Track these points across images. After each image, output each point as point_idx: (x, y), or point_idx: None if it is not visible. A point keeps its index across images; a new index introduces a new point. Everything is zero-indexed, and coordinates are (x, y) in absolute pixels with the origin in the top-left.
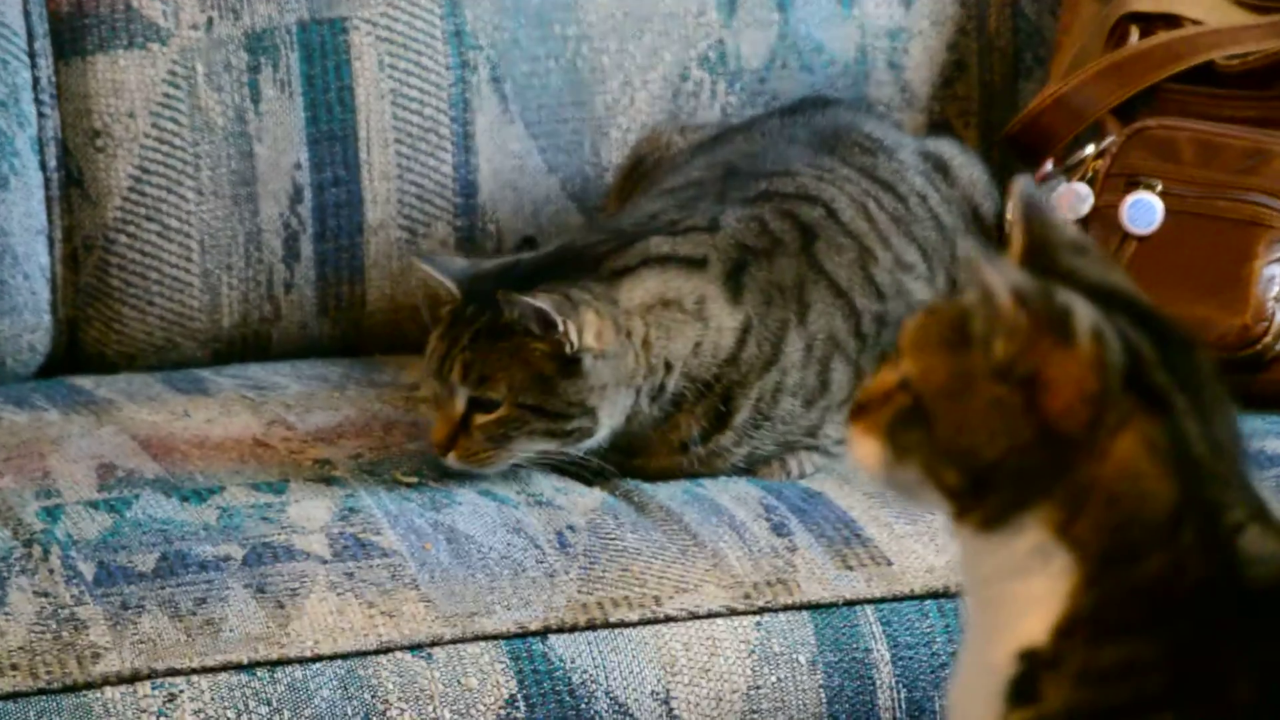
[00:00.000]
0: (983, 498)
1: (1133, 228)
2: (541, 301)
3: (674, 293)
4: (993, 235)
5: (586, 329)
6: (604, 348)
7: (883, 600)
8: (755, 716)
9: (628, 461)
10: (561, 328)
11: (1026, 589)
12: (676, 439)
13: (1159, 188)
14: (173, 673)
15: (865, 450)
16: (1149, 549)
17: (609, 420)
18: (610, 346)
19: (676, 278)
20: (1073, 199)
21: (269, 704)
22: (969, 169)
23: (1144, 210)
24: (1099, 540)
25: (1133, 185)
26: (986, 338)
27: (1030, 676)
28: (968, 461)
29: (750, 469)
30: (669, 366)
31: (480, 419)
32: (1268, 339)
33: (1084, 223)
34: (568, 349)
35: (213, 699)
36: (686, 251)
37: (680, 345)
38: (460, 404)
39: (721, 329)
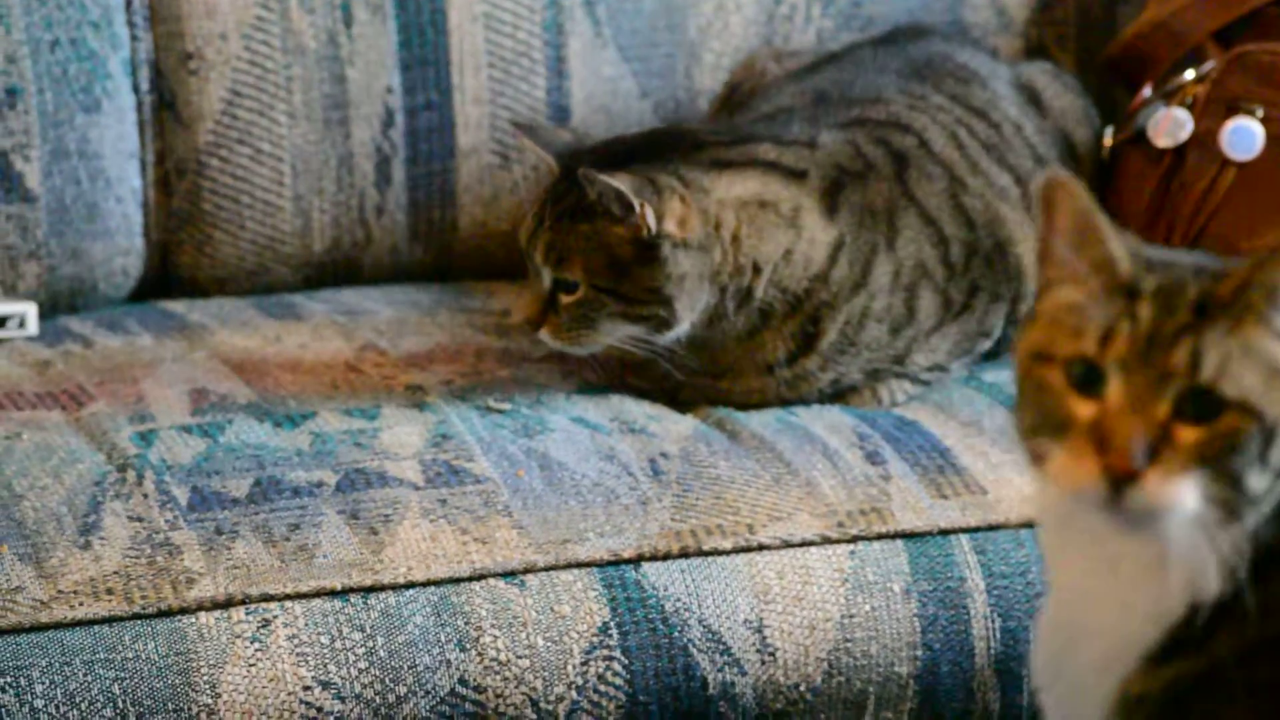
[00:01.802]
0: None
1: (1233, 153)
2: (620, 182)
3: (772, 196)
4: (1087, 161)
5: (669, 215)
6: (687, 236)
7: (978, 529)
8: (849, 645)
9: (715, 384)
10: (639, 211)
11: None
12: (763, 359)
13: (1260, 113)
14: (266, 598)
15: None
16: None
17: (688, 314)
18: (695, 236)
19: (776, 183)
20: (1171, 124)
21: (362, 630)
22: (1063, 96)
23: (1245, 136)
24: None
25: (1233, 111)
26: None
27: (1193, 628)
28: None
29: (839, 396)
30: (757, 269)
31: (564, 299)
32: None
33: (1183, 148)
34: (645, 234)
35: (306, 624)
36: (789, 162)
37: (770, 248)
38: (545, 282)
39: (814, 241)
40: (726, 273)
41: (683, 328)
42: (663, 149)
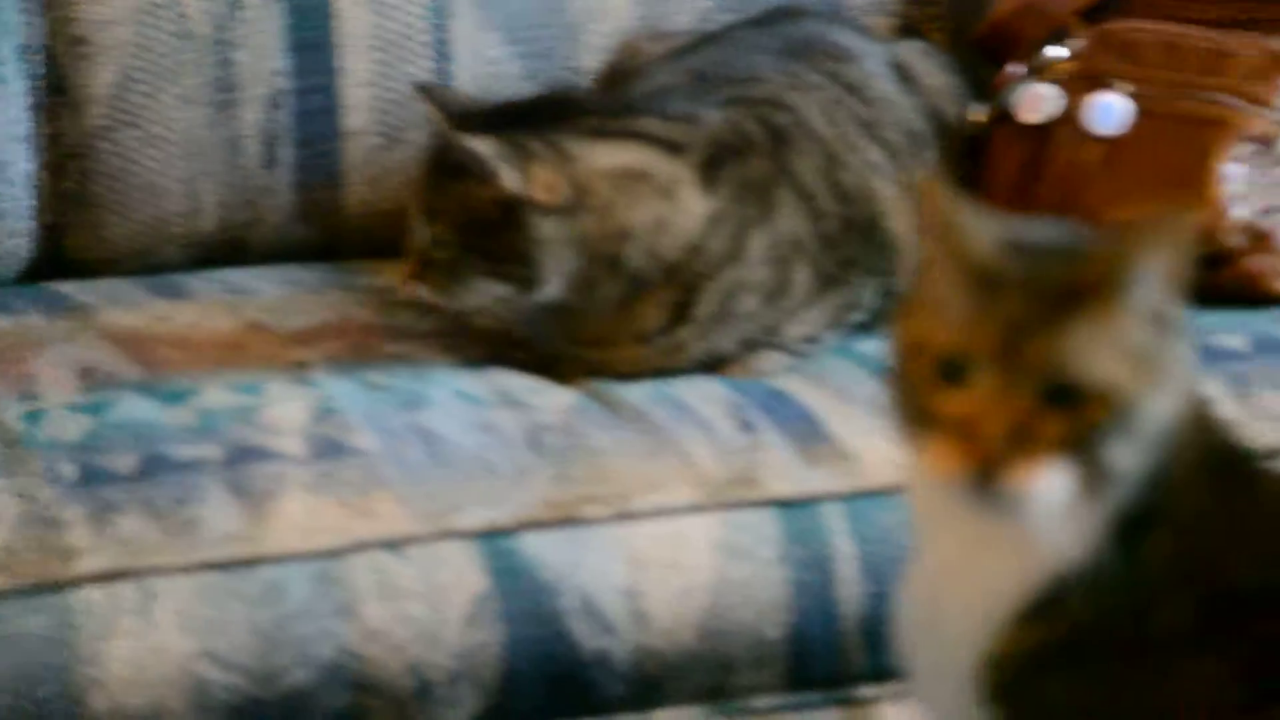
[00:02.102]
0: None
1: (1099, 128)
2: (482, 145)
3: (648, 167)
4: (957, 138)
5: (534, 180)
6: (553, 201)
7: (847, 495)
8: (721, 610)
9: (593, 354)
10: (500, 175)
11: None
12: (639, 328)
13: (1124, 89)
14: (152, 572)
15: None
16: None
17: (555, 277)
18: (562, 202)
19: (654, 155)
20: (1038, 101)
21: (245, 602)
22: (935, 74)
23: (1109, 111)
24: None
25: (1098, 86)
26: None
27: (1058, 591)
28: None
29: (713, 367)
30: (626, 236)
31: (437, 255)
32: (1225, 236)
33: (1050, 125)
34: (509, 197)
35: (190, 597)
36: (669, 135)
37: (641, 216)
38: (422, 237)
39: (689, 213)
40: (595, 240)
41: (551, 290)
42: (548, 114)
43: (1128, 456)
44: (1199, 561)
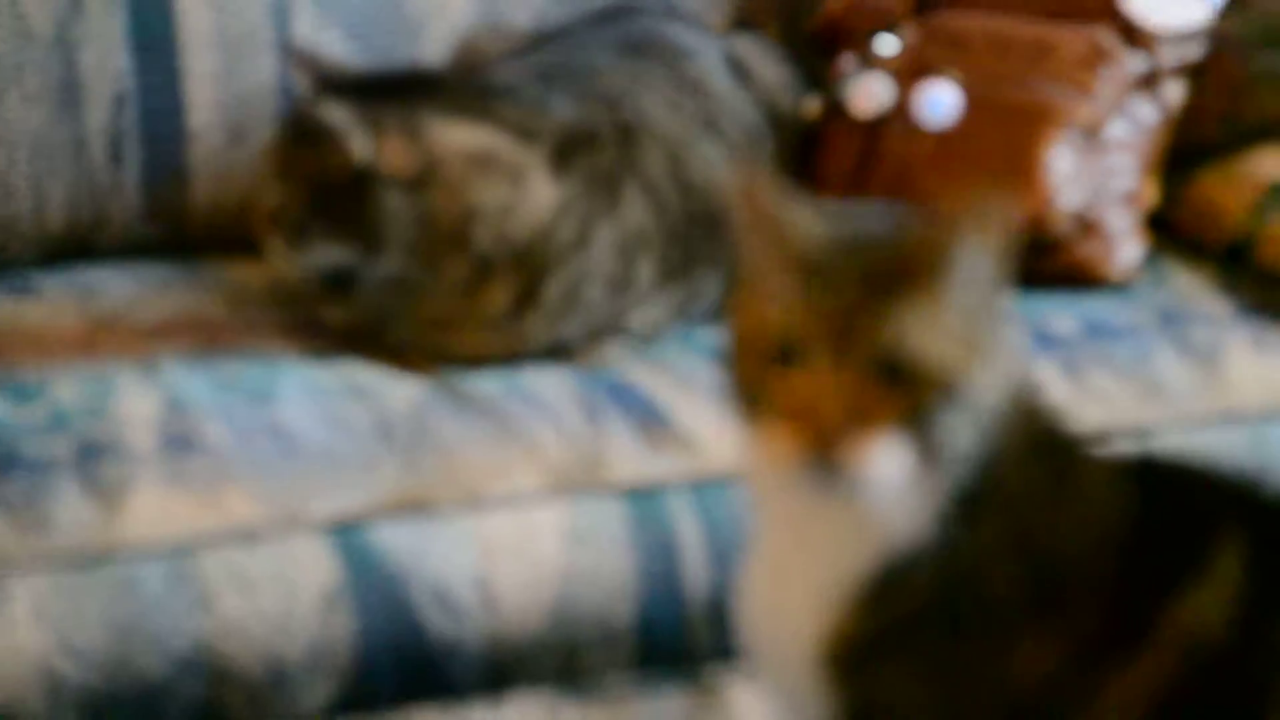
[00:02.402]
0: None
1: (929, 120)
2: (337, 113)
3: (500, 153)
4: (792, 131)
5: (385, 152)
6: (401, 176)
7: (691, 481)
8: (570, 596)
9: (438, 338)
10: (350, 143)
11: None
12: (485, 312)
13: (953, 79)
14: (5, 569)
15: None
16: None
17: (397, 249)
18: (410, 176)
19: (507, 141)
20: (869, 93)
21: (100, 597)
22: (770, 68)
23: (939, 103)
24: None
25: (928, 78)
26: None
27: (897, 572)
28: None
29: (560, 355)
30: (474, 216)
31: (285, 214)
32: (1054, 223)
33: (885, 117)
34: (358, 165)
35: (45, 593)
36: (523, 122)
37: (490, 198)
38: (272, 196)
39: (537, 200)
40: (443, 216)
41: (392, 262)
42: (409, 89)
43: (959, 433)
44: (1028, 538)
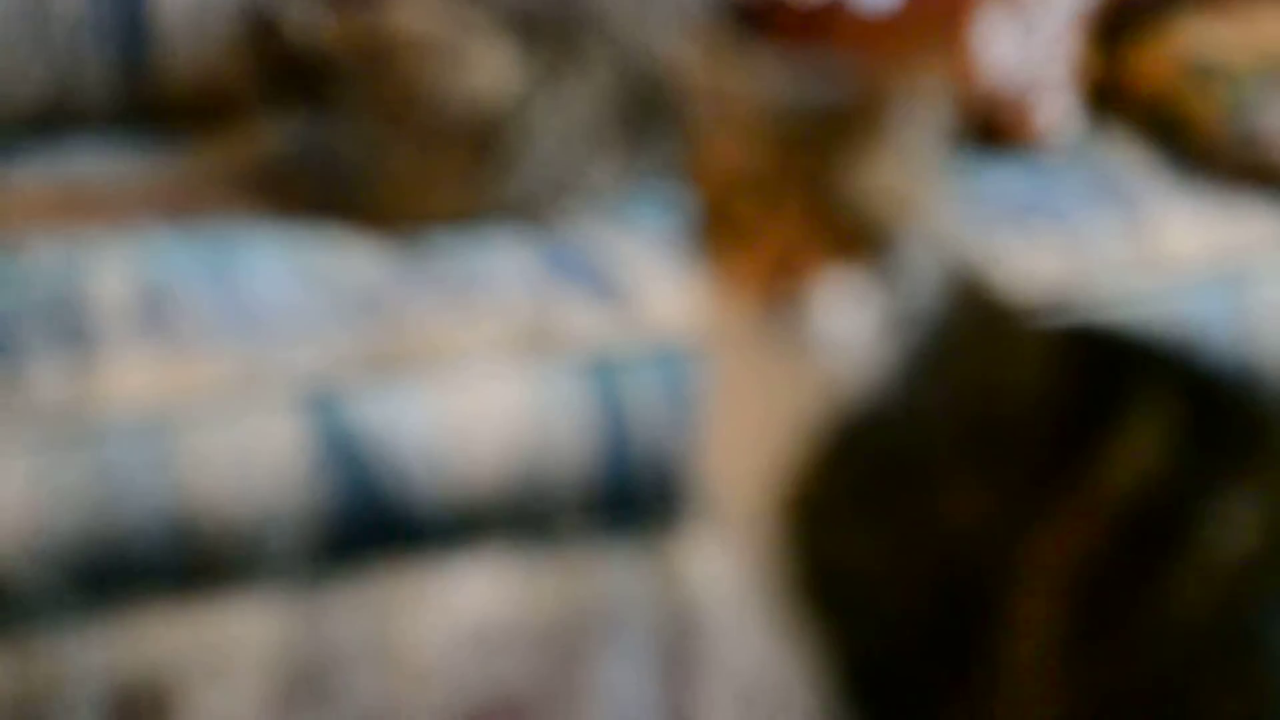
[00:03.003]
0: None
1: (871, 4)
2: None
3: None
4: (733, 21)
5: (342, 26)
6: (354, 51)
7: (649, 345)
8: (536, 454)
9: (401, 201)
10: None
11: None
12: (446, 171)
13: None
14: None
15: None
16: None
17: (358, 115)
18: (363, 54)
19: (462, 20)
20: None
21: (75, 461)
22: None
23: None
24: None
25: None
26: None
27: (847, 429)
28: None
29: (519, 214)
30: (431, 93)
31: (256, 95)
32: (989, 91)
33: (828, 6)
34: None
35: (19, 453)
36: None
37: (447, 77)
38: (239, 75)
39: (495, 78)
40: (394, 96)
41: (356, 129)
42: None
43: (904, 285)
44: (965, 396)
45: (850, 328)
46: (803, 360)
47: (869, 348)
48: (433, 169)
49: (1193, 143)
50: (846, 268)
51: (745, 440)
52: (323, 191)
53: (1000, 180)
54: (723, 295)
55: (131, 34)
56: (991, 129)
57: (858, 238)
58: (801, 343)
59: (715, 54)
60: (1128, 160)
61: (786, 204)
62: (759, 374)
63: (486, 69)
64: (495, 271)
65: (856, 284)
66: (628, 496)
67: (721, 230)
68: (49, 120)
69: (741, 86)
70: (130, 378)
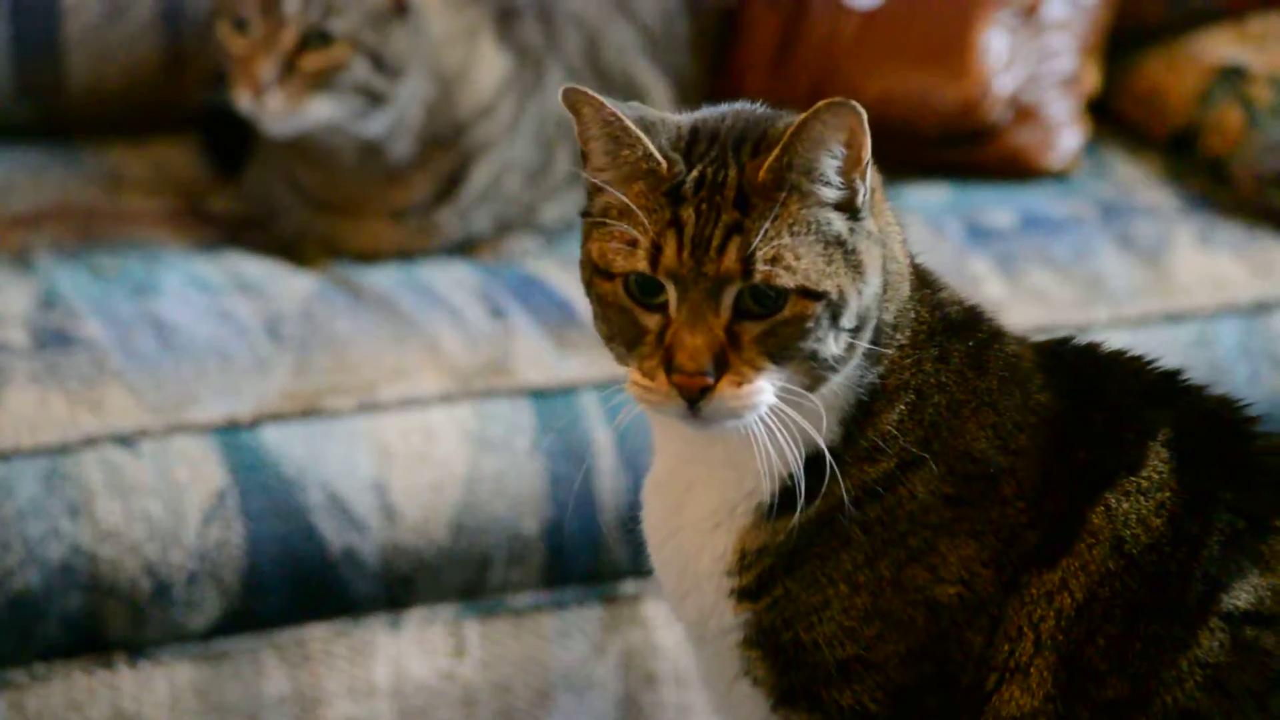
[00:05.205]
0: None
1: (856, 1)
2: None
3: (463, 15)
4: (711, 15)
5: None
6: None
7: (603, 384)
8: (474, 504)
9: (337, 233)
10: None
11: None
12: (399, 202)
13: None
14: None
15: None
16: None
17: (403, 101)
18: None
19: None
20: None
21: None
22: None
23: None
24: None
25: None
26: None
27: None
28: None
29: (464, 249)
30: (444, 79)
31: (309, 56)
32: (988, 110)
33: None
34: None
35: None
36: None
37: (451, 59)
38: (290, 36)
39: (487, 67)
40: (433, 64)
41: (390, 115)
42: None
43: (839, 341)
44: (942, 432)
45: (781, 408)
46: (736, 444)
47: (812, 412)
48: (395, 191)
49: (1209, 162)
50: (771, 345)
51: (691, 508)
52: (247, 213)
53: (999, 207)
54: (637, 385)
55: (34, 31)
56: (989, 151)
57: (782, 304)
58: (727, 436)
59: (601, 99)
60: (1136, 183)
61: (695, 283)
62: (697, 449)
63: (486, 59)
64: (436, 300)
65: (783, 358)
66: (582, 551)
67: (625, 317)
68: None
69: (641, 135)
70: (31, 412)
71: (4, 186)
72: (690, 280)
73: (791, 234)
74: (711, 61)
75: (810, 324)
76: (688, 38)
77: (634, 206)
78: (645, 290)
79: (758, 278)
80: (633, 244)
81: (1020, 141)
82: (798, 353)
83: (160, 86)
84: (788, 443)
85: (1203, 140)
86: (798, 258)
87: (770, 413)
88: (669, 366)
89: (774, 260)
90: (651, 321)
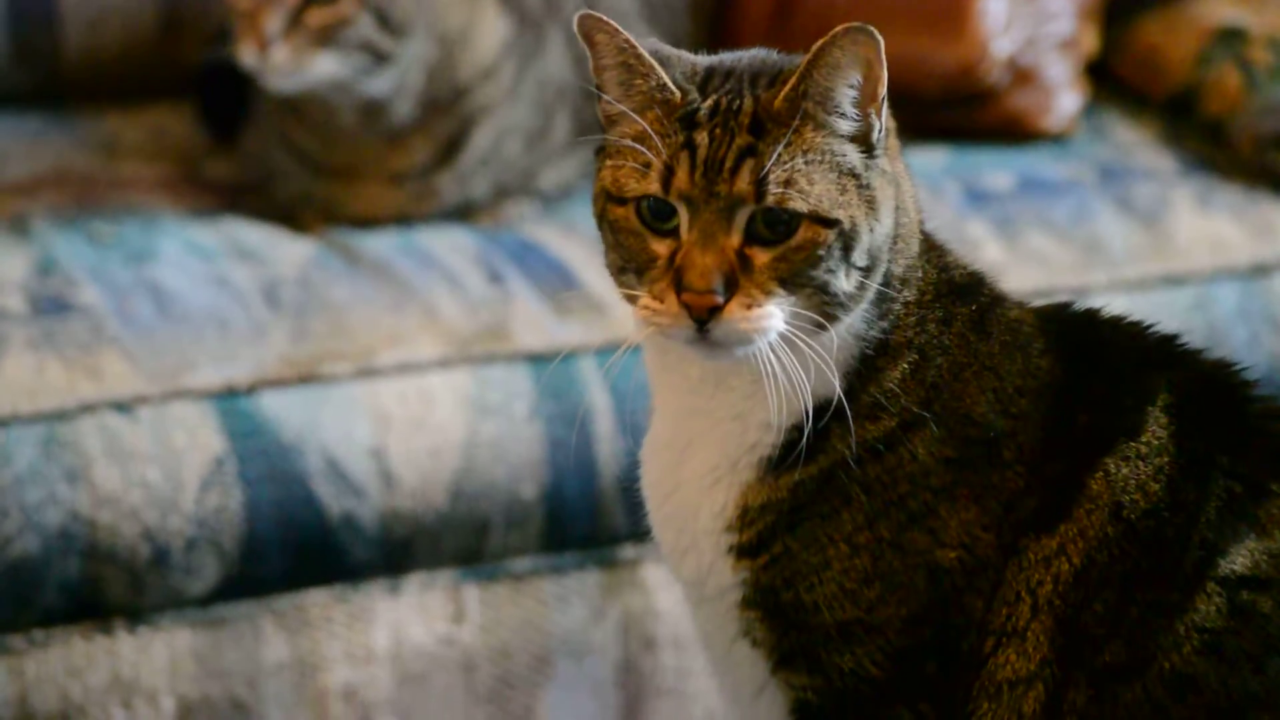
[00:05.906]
0: None
1: None
2: None
3: None
4: None
5: None
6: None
7: (600, 348)
8: (473, 469)
9: (335, 197)
10: None
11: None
12: (399, 166)
13: None
14: None
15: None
16: None
17: (406, 61)
18: None
19: None
20: None
21: None
22: None
23: None
24: None
25: None
26: None
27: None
28: None
29: (463, 214)
30: (446, 41)
31: (315, 11)
32: (986, 72)
33: None
34: None
35: None
36: None
37: (454, 20)
38: None
39: (490, 29)
40: (426, 31)
41: (393, 74)
42: None
43: (851, 278)
44: (941, 394)
45: (795, 331)
46: (745, 379)
47: (819, 353)
48: (398, 150)
49: (1207, 125)
50: (783, 271)
51: (692, 462)
52: (245, 178)
53: (998, 169)
54: (647, 314)
55: (39, 13)
56: (988, 114)
57: (794, 232)
58: (743, 358)
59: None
60: (1135, 146)
61: (707, 207)
62: (701, 392)
63: (488, 21)
64: (434, 265)
65: (795, 287)
66: (581, 516)
67: (637, 245)
68: None
69: (654, 64)
70: (29, 379)
71: (1, 154)
72: (702, 202)
73: (806, 160)
74: (710, 26)
75: (822, 252)
76: (686, 2)
77: (649, 130)
78: (657, 214)
79: (770, 199)
80: (646, 167)
81: (1019, 104)
82: (809, 281)
83: (157, 52)
84: (798, 383)
85: (1201, 102)
86: (811, 183)
87: (780, 347)
88: (679, 286)
89: (787, 183)
90: (663, 247)
